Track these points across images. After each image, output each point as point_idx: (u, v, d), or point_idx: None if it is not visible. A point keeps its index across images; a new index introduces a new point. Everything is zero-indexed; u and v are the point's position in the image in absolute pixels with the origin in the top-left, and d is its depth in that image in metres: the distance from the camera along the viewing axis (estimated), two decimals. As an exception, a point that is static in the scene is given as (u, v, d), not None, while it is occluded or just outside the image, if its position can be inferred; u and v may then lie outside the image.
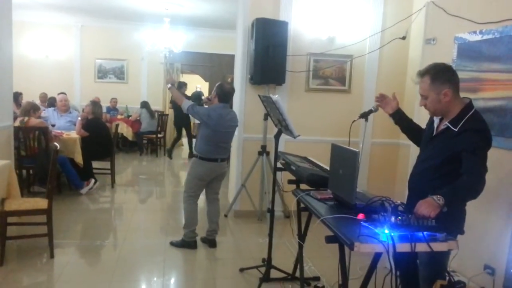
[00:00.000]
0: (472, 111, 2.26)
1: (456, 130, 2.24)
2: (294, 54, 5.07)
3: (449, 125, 2.28)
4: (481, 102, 3.21)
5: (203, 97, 10.97)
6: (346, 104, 5.22)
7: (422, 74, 2.32)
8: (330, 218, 2.17)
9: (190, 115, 4.28)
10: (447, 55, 3.65)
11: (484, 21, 3.32)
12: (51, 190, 3.75)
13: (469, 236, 3.12)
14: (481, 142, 2.17)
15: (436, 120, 2.43)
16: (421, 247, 1.93)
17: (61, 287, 3.30)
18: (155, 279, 3.54)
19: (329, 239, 2.09)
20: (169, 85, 4.15)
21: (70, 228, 4.63)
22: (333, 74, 5.24)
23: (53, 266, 3.64)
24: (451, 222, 2.20)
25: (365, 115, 3.01)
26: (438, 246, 1.95)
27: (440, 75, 2.27)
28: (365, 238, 1.89)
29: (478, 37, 3.36)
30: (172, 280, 3.59)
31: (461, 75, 3.42)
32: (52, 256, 3.73)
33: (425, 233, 1.94)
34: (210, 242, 4.23)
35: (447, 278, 2.35)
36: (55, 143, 3.91)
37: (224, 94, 3.99)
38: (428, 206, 2.02)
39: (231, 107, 4.26)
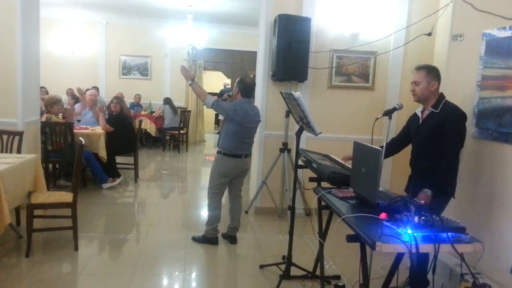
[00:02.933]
0: (445, 99, 2.95)
1: (437, 111, 2.90)
2: (317, 51, 5.03)
3: (432, 109, 2.93)
4: (510, 100, 3.10)
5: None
6: (369, 102, 5.16)
7: (420, 67, 3.00)
8: (352, 217, 2.15)
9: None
10: (475, 52, 3.54)
11: (514, 17, 3.21)
12: (76, 184, 3.83)
13: (494, 238, 3.05)
14: (460, 118, 2.84)
15: (419, 111, 3.05)
16: (445, 248, 1.89)
17: (85, 279, 3.37)
18: (176, 273, 3.58)
19: (351, 238, 2.07)
20: (190, 81, 4.10)
21: (94, 222, 4.73)
22: (356, 71, 5.18)
23: (77, 258, 3.72)
24: (445, 188, 2.83)
25: (389, 113, 2.98)
26: (462, 248, 1.91)
27: (433, 71, 2.97)
28: (387, 238, 1.87)
29: (507, 33, 3.25)
30: (193, 275, 3.63)
31: (489, 72, 3.34)
32: (76, 248, 3.81)
33: (449, 234, 1.90)
34: (231, 239, 4.26)
35: (472, 280, 2.31)
36: (81, 138, 3.98)
37: (246, 89, 3.99)
38: (424, 198, 2.63)
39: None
